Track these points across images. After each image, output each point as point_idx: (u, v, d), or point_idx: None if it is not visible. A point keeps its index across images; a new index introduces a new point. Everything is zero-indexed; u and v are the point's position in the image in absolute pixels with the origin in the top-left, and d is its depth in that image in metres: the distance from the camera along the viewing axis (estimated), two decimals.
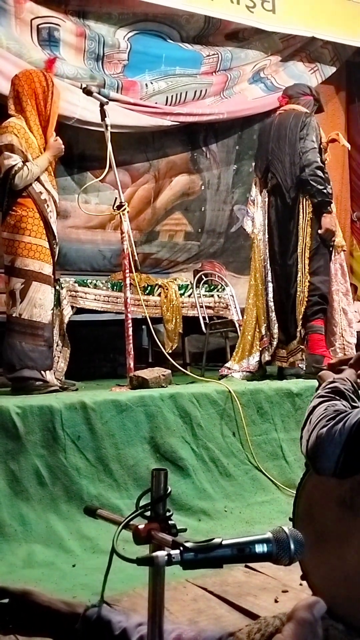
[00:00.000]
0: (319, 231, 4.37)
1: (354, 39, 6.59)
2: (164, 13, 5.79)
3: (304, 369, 4.43)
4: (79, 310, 4.79)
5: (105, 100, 4.10)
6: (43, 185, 3.95)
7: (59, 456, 3.06)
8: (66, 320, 4.62)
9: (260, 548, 0.89)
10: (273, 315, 4.50)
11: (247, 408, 3.67)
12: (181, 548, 0.88)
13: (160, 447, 3.33)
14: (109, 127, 4.00)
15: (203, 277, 5.65)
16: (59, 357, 4.46)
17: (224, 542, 0.89)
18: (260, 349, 4.55)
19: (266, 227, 4.57)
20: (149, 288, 5.15)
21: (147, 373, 3.79)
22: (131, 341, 3.94)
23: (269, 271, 4.54)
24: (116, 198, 4.04)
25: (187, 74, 6.04)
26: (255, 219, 4.63)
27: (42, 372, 3.88)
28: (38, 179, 3.92)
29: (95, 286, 4.91)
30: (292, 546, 0.90)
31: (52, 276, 4.03)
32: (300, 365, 4.49)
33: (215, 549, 0.88)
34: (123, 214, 3.98)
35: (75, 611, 1.29)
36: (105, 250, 5.98)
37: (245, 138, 6.62)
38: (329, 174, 4.49)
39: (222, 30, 6.13)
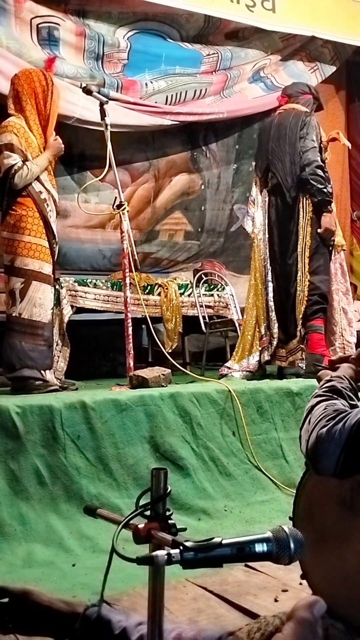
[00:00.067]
0: (319, 230, 4.37)
1: (354, 38, 6.59)
2: (163, 12, 5.79)
3: (304, 368, 4.44)
4: (79, 310, 4.79)
5: (105, 99, 4.10)
6: (43, 185, 3.95)
7: (58, 455, 3.06)
8: (66, 319, 4.62)
9: (260, 547, 0.89)
10: (273, 314, 4.50)
11: (247, 407, 3.67)
12: (181, 547, 0.88)
13: (160, 446, 3.33)
14: (108, 127, 3.99)
15: (203, 276, 5.65)
16: (58, 356, 4.46)
17: (223, 542, 0.89)
18: (260, 348, 4.55)
19: (266, 227, 4.57)
20: (149, 287, 5.15)
21: (147, 372, 3.79)
22: (131, 341, 3.94)
23: (269, 271, 4.54)
24: (116, 197, 4.04)
25: (187, 73, 6.04)
26: (256, 218, 4.63)
27: (42, 371, 3.88)
28: (38, 179, 3.92)
29: (95, 285, 4.91)
30: (292, 545, 0.90)
31: (52, 275, 4.03)
32: (300, 364, 4.50)
33: (215, 548, 0.88)
34: (123, 214, 3.98)
35: (75, 610, 1.29)
36: (105, 249, 5.98)
37: (245, 137, 6.62)
38: (329, 173, 4.49)
39: (222, 30, 6.13)
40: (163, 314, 5.14)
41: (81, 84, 4.60)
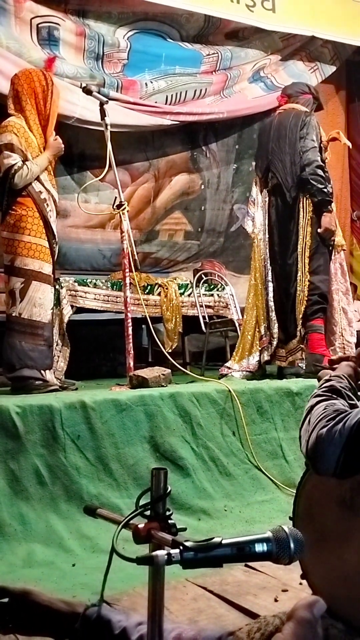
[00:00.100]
0: (319, 230, 4.37)
1: (354, 38, 6.59)
2: (163, 12, 5.79)
3: (304, 368, 4.44)
4: (79, 310, 4.79)
5: (105, 99, 4.10)
6: (43, 185, 3.95)
7: (58, 455, 3.06)
8: (66, 319, 4.62)
9: (260, 547, 0.89)
10: (273, 314, 4.50)
11: (247, 407, 3.67)
12: (181, 547, 0.88)
13: (160, 446, 3.33)
14: (108, 127, 4.00)
15: (203, 276, 5.65)
16: (58, 356, 4.46)
17: (223, 542, 0.89)
18: (260, 348, 4.55)
19: (266, 227, 4.57)
20: (149, 287, 5.15)
21: (147, 372, 3.79)
22: (131, 340, 3.94)
23: (269, 271, 4.54)
24: (116, 197, 4.04)
25: (187, 73, 6.04)
26: (256, 218, 4.63)
27: (42, 371, 3.88)
28: (38, 178, 3.92)
29: (95, 285, 4.91)
30: (292, 545, 0.89)
31: (52, 275, 4.03)
32: (300, 364, 4.50)
33: (215, 548, 0.88)
34: (123, 213, 3.98)
35: (75, 610, 1.29)
36: (105, 249, 5.98)
37: (245, 137, 6.62)
38: (329, 173, 4.49)
39: (222, 30, 6.13)
40: (163, 313, 5.14)
41: (81, 84, 4.60)
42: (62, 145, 4.07)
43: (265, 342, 4.53)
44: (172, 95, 5.94)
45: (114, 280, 5.01)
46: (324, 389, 1.54)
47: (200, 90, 6.10)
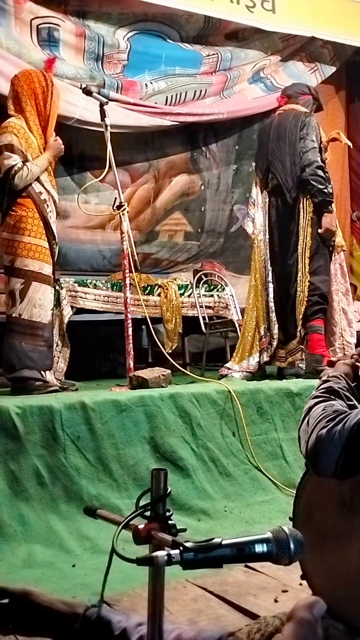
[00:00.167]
0: (319, 231, 4.37)
1: (354, 38, 6.59)
2: (163, 13, 5.79)
3: (304, 368, 4.44)
4: (79, 310, 4.79)
5: (105, 100, 4.10)
6: (43, 185, 3.95)
7: (58, 456, 3.06)
8: (66, 320, 4.62)
9: (260, 548, 0.89)
10: (273, 315, 4.50)
11: (247, 408, 3.67)
12: (181, 548, 0.88)
13: (160, 447, 3.33)
14: (108, 127, 4.00)
15: (203, 277, 5.65)
16: (58, 357, 4.46)
17: (223, 542, 0.89)
18: (260, 349, 4.55)
19: (267, 228, 4.57)
20: (149, 288, 5.15)
21: (146, 373, 3.79)
22: (131, 341, 3.94)
23: (270, 271, 4.54)
24: (116, 198, 4.04)
25: (187, 74, 6.04)
26: (256, 219, 4.63)
27: (42, 372, 3.88)
28: (38, 179, 3.92)
29: (95, 286, 4.91)
30: (292, 546, 0.89)
31: (52, 276, 4.03)
32: (300, 365, 4.50)
33: (215, 548, 0.88)
34: (123, 214, 3.98)
35: (75, 611, 1.29)
36: (105, 250, 5.98)
37: (245, 138, 6.62)
38: (329, 174, 4.49)
39: (222, 30, 6.13)
40: (163, 314, 5.14)
41: (81, 85, 4.61)
42: (62, 146, 4.07)
43: (265, 343, 4.53)
44: (172, 96, 5.95)
45: (114, 281, 5.01)
46: (322, 390, 1.54)
47: (200, 91, 6.11)
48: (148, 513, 1.02)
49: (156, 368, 4.01)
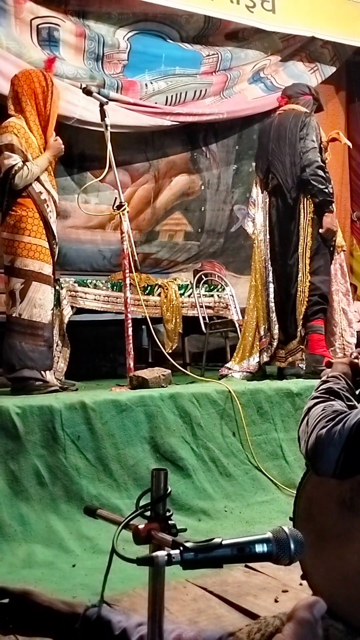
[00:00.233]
0: (320, 230, 4.37)
1: (354, 38, 6.59)
2: (163, 13, 5.79)
3: (304, 368, 4.44)
4: (79, 310, 4.79)
5: (105, 100, 4.10)
6: (43, 185, 3.95)
7: (58, 456, 3.06)
8: (66, 320, 4.62)
9: (260, 548, 0.89)
10: (274, 315, 4.49)
11: (247, 408, 3.67)
12: (181, 548, 0.88)
13: (160, 447, 3.33)
14: (108, 127, 4.00)
15: (203, 277, 5.65)
16: (58, 357, 4.46)
17: (224, 542, 0.89)
18: (260, 349, 4.55)
19: (267, 228, 4.57)
20: (149, 288, 5.15)
21: (147, 373, 3.79)
22: (131, 341, 3.94)
23: (270, 272, 4.54)
24: (116, 198, 4.04)
25: (187, 74, 6.04)
26: (256, 219, 4.63)
27: (42, 372, 3.88)
28: (38, 179, 3.92)
29: (95, 286, 4.91)
30: (292, 546, 0.89)
31: (52, 276, 4.03)
32: (300, 365, 4.50)
33: (215, 548, 0.88)
34: (123, 214, 3.98)
35: (75, 611, 1.29)
36: (105, 250, 5.98)
37: (245, 138, 6.62)
38: (329, 173, 4.49)
39: (222, 30, 6.13)
40: (163, 314, 5.14)
41: (81, 85, 4.61)
42: (62, 146, 4.07)
43: (265, 343, 4.53)
44: (172, 96, 5.95)
45: (114, 280, 5.01)
46: (321, 391, 1.54)
47: (200, 91, 6.11)
48: (148, 513, 1.02)
49: (156, 368, 4.01)
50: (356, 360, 1.67)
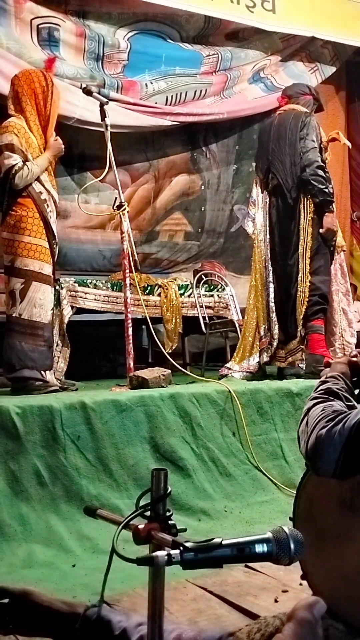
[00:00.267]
0: (321, 230, 4.37)
1: (354, 38, 6.59)
2: (163, 13, 5.79)
3: (304, 368, 4.44)
4: (79, 310, 4.79)
5: (105, 100, 4.11)
6: (43, 185, 3.95)
7: (58, 456, 3.06)
8: (66, 320, 4.62)
9: (260, 548, 0.89)
10: (274, 315, 4.49)
11: (247, 408, 3.67)
12: (181, 548, 0.88)
13: (160, 447, 3.33)
14: (108, 127, 4.00)
15: (203, 277, 5.65)
16: (58, 357, 4.46)
17: (224, 542, 0.89)
18: (260, 349, 4.55)
19: (267, 228, 4.58)
20: (149, 288, 5.15)
21: (147, 373, 3.79)
22: (131, 341, 3.94)
23: (270, 272, 4.54)
24: (116, 198, 4.04)
25: (187, 74, 6.04)
26: (256, 219, 4.63)
27: (42, 372, 3.88)
28: (38, 179, 3.92)
29: (95, 286, 4.91)
30: (292, 546, 0.89)
31: (52, 276, 4.03)
32: (300, 365, 4.50)
33: (215, 548, 0.88)
34: (123, 214, 3.98)
35: (75, 611, 1.29)
36: (105, 250, 5.98)
37: (245, 138, 6.62)
38: (329, 173, 4.49)
39: (222, 30, 6.13)
40: (163, 314, 5.14)
41: (81, 85, 4.60)
42: (63, 146, 4.07)
43: (265, 343, 4.53)
44: (172, 96, 5.95)
45: (114, 280, 5.01)
46: (320, 392, 1.54)
47: (201, 91, 6.11)
48: (148, 513, 1.02)
49: (156, 368, 4.01)
50: (355, 360, 1.67)
